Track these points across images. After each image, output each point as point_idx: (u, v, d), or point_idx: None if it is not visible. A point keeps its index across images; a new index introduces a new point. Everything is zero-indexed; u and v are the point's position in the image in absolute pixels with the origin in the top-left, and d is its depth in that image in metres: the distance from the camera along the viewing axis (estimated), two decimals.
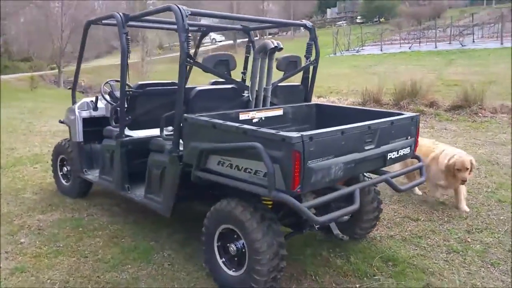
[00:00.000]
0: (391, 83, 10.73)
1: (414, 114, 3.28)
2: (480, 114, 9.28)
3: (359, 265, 3.19)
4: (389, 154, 3.01)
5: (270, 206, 2.97)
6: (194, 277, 3.14)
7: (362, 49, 25.71)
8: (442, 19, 30.04)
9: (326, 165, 2.52)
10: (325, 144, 2.51)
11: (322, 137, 2.49)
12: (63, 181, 4.89)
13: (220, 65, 3.33)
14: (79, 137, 4.43)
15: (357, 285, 2.95)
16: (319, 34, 4.18)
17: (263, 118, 3.49)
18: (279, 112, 3.66)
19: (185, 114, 3.07)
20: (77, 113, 4.44)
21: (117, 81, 4.76)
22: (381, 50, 23.59)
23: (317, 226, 3.22)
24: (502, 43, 19.29)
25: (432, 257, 3.31)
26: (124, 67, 3.61)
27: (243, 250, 2.82)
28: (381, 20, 38.01)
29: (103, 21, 4.17)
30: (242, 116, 3.34)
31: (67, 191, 4.80)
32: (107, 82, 4.64)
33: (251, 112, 3.43)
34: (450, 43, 22.15)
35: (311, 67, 3.99)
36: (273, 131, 2.49)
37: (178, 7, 3.02)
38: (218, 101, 3.39)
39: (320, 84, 11.32)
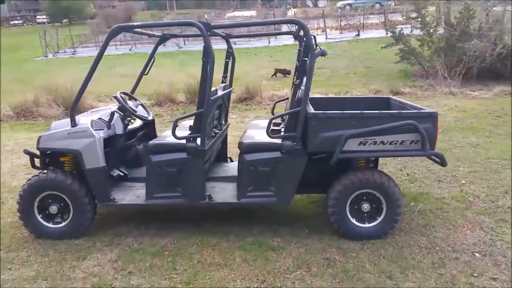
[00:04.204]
0: (153, 84, 11.10)
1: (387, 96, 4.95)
2: (263, 103, 11.76)
3: None
4: None
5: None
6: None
7: (76, 51, 24.82)
8: (137, 22, 32.23)
9: None
10: None
11: None
12: (49, 224, 4.04)
13: None
14: (102, 161, 3.86)
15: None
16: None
17: None
18: None
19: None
20: (95, 134, 3.84)
21: (124, 93, 4.34)
22: None
23: None
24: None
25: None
26: (208, 75, 3.65)
27: (373, 205, 3.83)
28: (72, 21, 36.82)
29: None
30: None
31: (63, 233, 4.02)
32: (115, 96, 4.13)
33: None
34: (165, 45, 24.49)
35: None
36: (416, 110, 3.67)
37: (301, 21, 3.60)
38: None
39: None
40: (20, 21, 41.69)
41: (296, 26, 4.39)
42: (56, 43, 25.35)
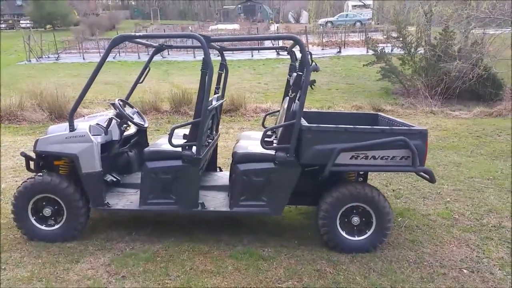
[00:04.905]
0: (138, 92, 10.68)
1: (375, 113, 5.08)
2: (247, 115, 11.82)
3: None
4: None
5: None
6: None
7: (60, 57, 24.48)
8: (121, 30, 32.10)
9: None
10: None
11: None
12: (42, 227, 4.04)
13: None
14: (99, 166, 3.86)
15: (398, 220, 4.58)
16: None
17: None
18: None
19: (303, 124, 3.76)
20: (93, 139, 3.85)
21: (121, 100, 4.37)
22: (83, 58, 23.36)
23: None
24: (194, 57, 23.22)
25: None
26: (206, 86, 3.70)
27: (363, 219, 3.92)
28: (56, 27, 36.29)
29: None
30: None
31: (56, 235, 4.02)
32: (113, 104, 4.15)
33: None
34: (148, 54, 24.46)
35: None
36: (407, 127, 3.78)
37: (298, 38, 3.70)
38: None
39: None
40: (3, 25, 41.20)
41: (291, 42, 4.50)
42: (40, 48, 24.92)
